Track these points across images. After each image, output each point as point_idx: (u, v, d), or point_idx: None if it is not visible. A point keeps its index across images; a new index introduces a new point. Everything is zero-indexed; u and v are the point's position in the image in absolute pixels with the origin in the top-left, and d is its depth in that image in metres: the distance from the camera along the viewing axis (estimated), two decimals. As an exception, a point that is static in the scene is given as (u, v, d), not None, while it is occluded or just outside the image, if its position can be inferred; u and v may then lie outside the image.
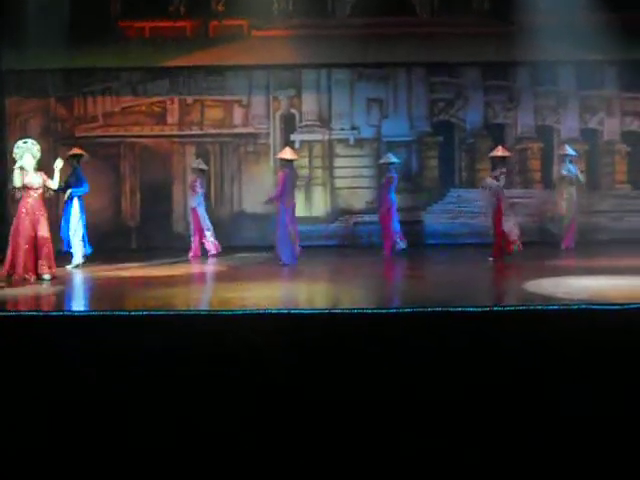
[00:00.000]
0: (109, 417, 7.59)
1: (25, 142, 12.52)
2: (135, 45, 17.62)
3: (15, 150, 12.43)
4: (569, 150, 16.22)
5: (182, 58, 17.58)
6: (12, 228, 12.26)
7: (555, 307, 9.03)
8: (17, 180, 12.22)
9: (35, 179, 12.30)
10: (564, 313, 8.82)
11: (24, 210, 12.22)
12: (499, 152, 14.65)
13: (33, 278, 12.05)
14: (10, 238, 12.21)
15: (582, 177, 16.56)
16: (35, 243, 12.17)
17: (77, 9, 16.78)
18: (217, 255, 15.72)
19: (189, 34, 17.79)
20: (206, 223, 15.92)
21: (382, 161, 16.18)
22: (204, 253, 15.87)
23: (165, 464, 7.09)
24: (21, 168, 12.25)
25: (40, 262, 12.19)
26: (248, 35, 17.66)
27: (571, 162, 16.17)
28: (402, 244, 15.57)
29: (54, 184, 12.54)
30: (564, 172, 16.07)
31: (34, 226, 12.18)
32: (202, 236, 15.88)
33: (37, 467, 7.05)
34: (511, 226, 14.41)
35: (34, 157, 12.35)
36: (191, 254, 15.80)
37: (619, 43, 16.44)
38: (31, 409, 7.60)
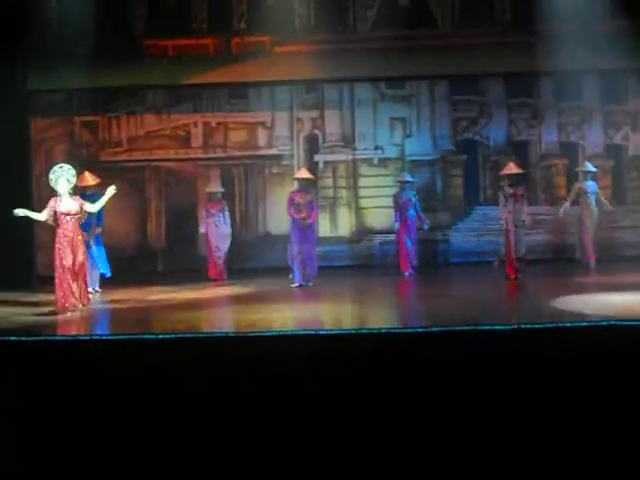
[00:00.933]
0: (138, 440, 7.59)
1: (61, 167, 12.35)
2: (159, 64, 17.65)
3: (50, 175, 12.27)
4: (589, 167, 16.15)
5: (205, 76, 17.57)
6: (55, 257, 12.14)
7: (584, 324, 8.98)
8: (42, 215, 12.10)
9: (72, 204, 12.20)
10: (593, 330, 8.77)
11: (63, 237, 12.10)
12: (511, 170, 14.59)
13: (80, 305, 11.96)
14: (55, 268, 12.11)
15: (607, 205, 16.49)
16: (75, 271, 12.07)
17: (101, 28, 16.81)
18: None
19: (212, 51, 17.78)
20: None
21: (398, 180, 16.22)
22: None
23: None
24: (56, 194, 12.13)
25: (83, 288, 12.13)
26: (270, 51, 17.64)
27: (592, 179, 16.10)
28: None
29: (93, 208, 12.41)
30: (586, 189, 15.98)
31: (74, 252, 12.08)
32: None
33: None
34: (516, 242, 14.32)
35: (69, 182, 12.21)
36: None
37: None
38: (63, 433, 7.62)
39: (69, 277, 11.97)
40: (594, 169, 16.16)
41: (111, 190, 12.41)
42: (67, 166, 12.36)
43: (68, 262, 11.98)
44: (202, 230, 16.17)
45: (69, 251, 12.01)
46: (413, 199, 15.67)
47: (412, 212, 15.60)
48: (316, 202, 14.91)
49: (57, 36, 16.39)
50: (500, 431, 7.33)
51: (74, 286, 12.00)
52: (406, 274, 15.46)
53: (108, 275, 14.51)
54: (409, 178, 15.94)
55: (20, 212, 12.21)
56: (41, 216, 12.10)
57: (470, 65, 17.28)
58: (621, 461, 7.08)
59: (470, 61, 17.22)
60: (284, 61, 17.46)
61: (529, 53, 16.83)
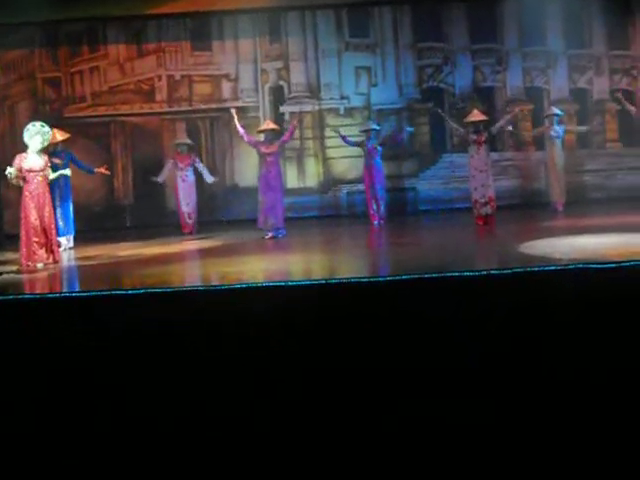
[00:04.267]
0: (108, 397, 7.61)
1: (42, 126, 12.22)
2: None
3: (25, 130, 12.03)
4: (555, 110, 16.22)
5: (167, 6, 17.29)
6: (20, 215, 12.07)
7: (552, 268, 9.04)
8: (12, 168, 12.01)
9: (37, 161, 12.09)
10: (561, 274, 8.83)
11: (28, 194, 12.07)
12: (475, 117, 14.61)
13: (42, 264, 11.90)
14: (20, 227, 12.04)
15: (581, 128, 16.68)
16: (43, 229, 12.01)
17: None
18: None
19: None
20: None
21: (363, 129, 16.19)
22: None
23: (164, 442, 7.12)
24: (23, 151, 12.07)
25: (50, 248, 12.08)
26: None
27: (558, 123, 16.14)
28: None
29: (52, 175, 12.35)
30: (552, 133, 16.06)
31: (40, 210, 12.00)
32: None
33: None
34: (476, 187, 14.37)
35: (42, 143, 12.11)
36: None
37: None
38: (32, 393, 7.62)
39: (34, 234, 11.91)
40: (561, 113, 16.20)
41: (67, 171, 12.82)
42: (47, 127, 12.25)
43: (33, 219, 11.91)
44: (159, 180, 16.08)
45: (34, 208, 11.94)
46: (379, 147, 15.62)
47: (378, 160, 15.56)
48: (279, 141, 14.85)
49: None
50: (469, 380, 7.38)
51: (40, 243, 11.95)
52: (375, 223, 15.47)
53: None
54: (374, 126, 15.90)
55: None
56: (8, 173, 12.00)
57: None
58: (590, 409, 7.16)
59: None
60: None
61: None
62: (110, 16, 17.46)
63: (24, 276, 11.29)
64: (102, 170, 14.70)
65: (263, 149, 14.48)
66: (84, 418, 7.33)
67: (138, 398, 7.54)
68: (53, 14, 16.73)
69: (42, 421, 7.30)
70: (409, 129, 16.53)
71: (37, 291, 10.39)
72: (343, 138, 15.76)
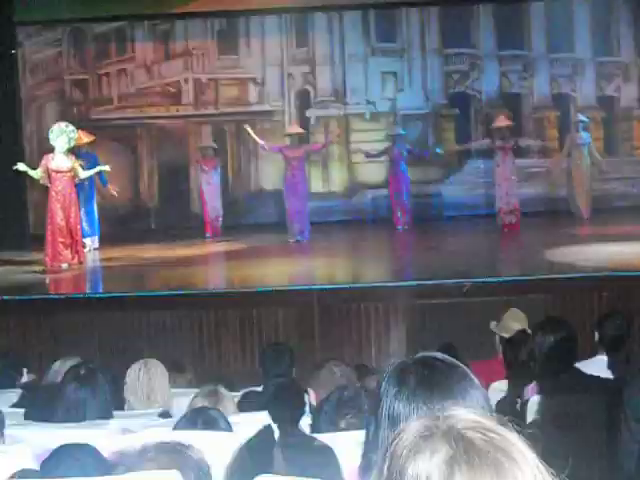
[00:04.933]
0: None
1: (67, 126, 12.28)
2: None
3: (50, 131, 12.13)
4: (581, 117, 16.09)
5: (194, 5, 17.30)
6: (46, 215, 12.15)
7: (577, 275, 9.01)
8: (36, 173, 12.07)
9: (64, 162, 12.14)
10: (586, 281, 8.80)
11: (54, 195, 12.10)
12: (501, 122, 14.58)
13: (67, 265, 11.94)
14: (46, 227, 12.11)
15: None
16: (69, 229, 12.06)
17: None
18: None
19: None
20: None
21: (389, 133, 16.19)
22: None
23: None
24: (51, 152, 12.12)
25: (75, 248, 12.12)
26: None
27: (585, 130, 16.01)
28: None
29: (83, 174, 12.39)
30: (578, 141, 15.93)
31: (66, 210, 12.05)
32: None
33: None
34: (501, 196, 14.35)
35: (68, 142, 12.18)
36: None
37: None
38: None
39: (59, 235, 11.97)
40: (586, 119, 16.09)
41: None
42: (72, 127, 12.33)
43: (58, 220, 11.97)
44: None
45: (60, 209, 12.00)
46: (405, 152, 15.60)
47: (403, 166, 15.54)
48: (308, 147, 14.83)
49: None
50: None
51: (65, 244, 12.00)
52: (399, 228, 15.45)
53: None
54: (400, 131, 15.88)
55: (20, 167, 12.21)
56: (35, 173, 12.09)
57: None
58: (607, 419, 7.11)
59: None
60: None
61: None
62: (137, 14, 17.49)
63: (49, 276, 11.34)
64: (111, 189, 14.59)
65: (288, 153, 14.44)
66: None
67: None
68: (80, 12, 16.78)
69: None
70: (438, 150, 16.34)
71: (62, 291, 10.43)
72: (367, 155, 15.75)
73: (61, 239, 11.97)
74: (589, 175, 15.92)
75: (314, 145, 14.72)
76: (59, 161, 12.05)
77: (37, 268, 11.87)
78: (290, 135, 14.74)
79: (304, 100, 18.06)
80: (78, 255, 12.15)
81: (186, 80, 18.12)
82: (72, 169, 12.14)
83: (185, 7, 17.22)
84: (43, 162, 12.06)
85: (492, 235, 14.12)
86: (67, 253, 12.00)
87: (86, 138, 14.60)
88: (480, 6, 17.79)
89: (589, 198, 15.89)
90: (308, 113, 17.97)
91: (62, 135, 12.08)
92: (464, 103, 17.99)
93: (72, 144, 12.31)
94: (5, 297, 9.33)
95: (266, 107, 17.92)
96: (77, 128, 14.87)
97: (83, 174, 12.31)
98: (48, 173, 12.01)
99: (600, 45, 17.75)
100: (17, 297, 9.43)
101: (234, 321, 8.68)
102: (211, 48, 18.07)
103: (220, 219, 15.83)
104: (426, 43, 17.94)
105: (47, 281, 11.11)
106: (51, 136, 12.11)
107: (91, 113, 17.92)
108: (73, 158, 12.28)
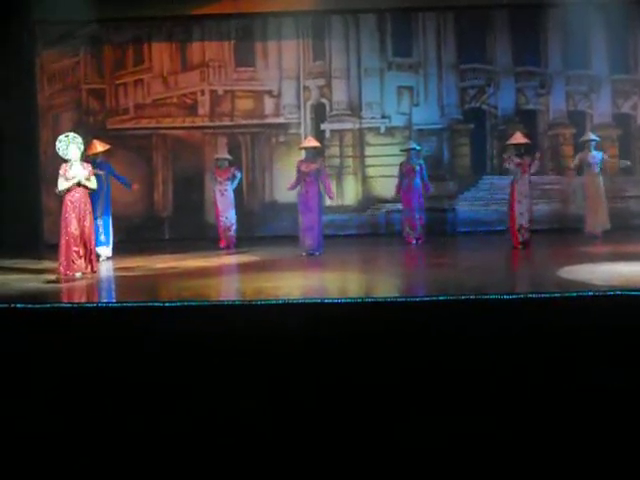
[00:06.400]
0: (142, 409, 7.62)
1: (66, 136, 12.37)
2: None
3: (58, 145, 12.25)
4: (592, 136, 16.02)
5: (210, 7, 17.32)
6: (61, 224, 12.20)
7: (590, 294, 8.97)
8: (61, 185, 12.12)
9: (80, 171, 12.18)
10: (600, 299, 8.76)
11: (69, 204, 12.18)
12: (518, 139, 14.55)
13: (80, 273, 11.99)
14: (60, 236, 12.17)
15: (620, 163, 16.50)
16: (82, 239, 12.10)
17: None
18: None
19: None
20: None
21: (403, 148, 16.18)
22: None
23: (192, 454, 7.13)
24: (66, 162, 12.16)
25: (89, 258, 12.16)
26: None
27: (596, 148, 15.94)
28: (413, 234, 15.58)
29: (93, 185, 12.40)
30: (589, 159, 15.85)
31: (80, 219, 12.10)
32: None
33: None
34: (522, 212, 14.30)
35: (79, 149, 12.25)
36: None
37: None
38: (66, 401, 7.65)
39: (73, 244, 12.00)
40: (597, 138, 16.03)
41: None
42: (72, 134, 12.37)
43: (73, 229, 12.00)
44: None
45: (75, 218, 12.03)
46: (418, 167, 15.58)
47: (417, 181, 15.53)
48: (324, 171, 14.81)
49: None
50: (505, 401, 7.34)
51: (79, 253, 12.03)
52: (412, 243, 15.43)
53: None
54: (415, 145, 15.88)
55: (61, 186, 12.21)
56: (61, 186, 12.13)
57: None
58: (622, 431, 7.08)
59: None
60: None
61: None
62: (152, 17, 17.52)
63: (62, 285, 11.36)
64: (134, 187, 14.97)
65: (302, 168, 14.42)
66: (116, 428, 7.34)
67: (170, 410, 7.55)
68: (96, 14, 16.81)
69: (72, 430, 7.32)
70: (417, 146, 16.16)
71: (75, 300, 10.44)
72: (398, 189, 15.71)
73: (75, 248, 12.01)
74: (602, 193, 15.83)
75: (327, 180, 14.61)
76: (75, 170, 12.08)
77: (51, 277, 11.89)
78: (305, 149, 14.72)
79: (319, 113, 18.09)
80: (92, 265, 12.19)
81: (202, 91, 18.17)
82: (88, 178, 12.17)
83: (201, 9, 17.25)
84: (61, 172, 12.10)
85: (506, 251, 14.07)
86: (81, 262, 12.04)
87: (101, 147, 14.65)
88: (496, 22, 17.78)
89: (604, 216, 15.80)
90: (323, 126, 18.00)
91: (72, 144, 12.13)
92: (479, 118, 18.00)
93: (83, 148, 12.36)
94: (18, 305, 9.34)
95: (281, 120, 17.96)
96: (93, 138, 15.01)
97: (92, 184, 12.30)
98: (68, 182, 12.08)
99: (616, 63, 17.74)
100: (29, 305, 9.43)
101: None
102: (228, 60, 18.12)
103: (234, 228, 15.84)
104: (442, 58, 17.96)
105: (61, 290, 11.12)
106: (60, 150, 12.16)
107: (107, 123, 17.99)
108: (89, 167, 12.32)
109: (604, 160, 15.86)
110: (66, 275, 11.85)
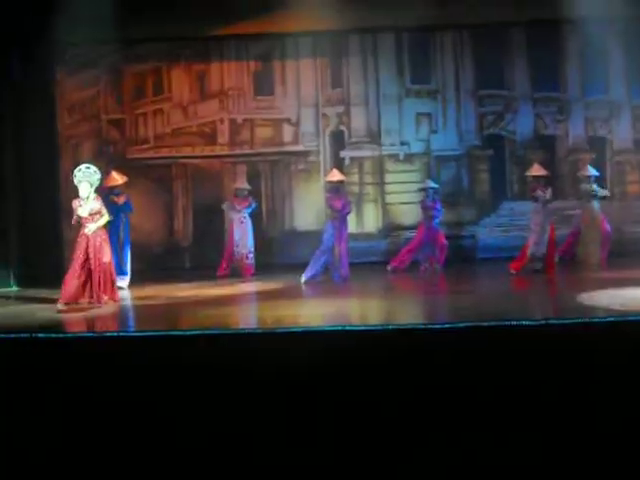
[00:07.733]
0: (159, 437, 7.62)
1: (88, 168, 12.38)
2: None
3: (75, 174, 12.32)
4: (591, 171, 15.98)
5: (229, 28, 17.31)
6: (72, 255, 12.32)
7: (611, 319, 8.94)
8: (81, 210, 12.21)
9: (89, 207, 12.27)
10: (621, 325, 8.72)
11: (82, 235, 12.22)
12: (537, 171, 14.60)
13: (86, 303, 12.04)
14: (69, 266, 12.28)
15: (605, 192, 16.34)
16: (95, 269, 12.14)
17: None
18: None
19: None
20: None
21: (421, 187, 16.17)
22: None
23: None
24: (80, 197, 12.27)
25: (101, 288, 12.19)
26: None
27: (596, 182, 15.90)
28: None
29: (94, 226, 12.37)
30: (591, 193, 15.82)
31: (95, 253, 12.15)
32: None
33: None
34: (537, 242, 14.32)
35: (91, 186, 12.30)
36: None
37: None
38: (83, 432, 7.66)
39: (78, 275, 12.08)
40: (597, 173, 15.99)
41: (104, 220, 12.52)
42: (93, 169, 12.40)
43: (80, 261, 12.09)
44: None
45: (83, 250, 12.11)
46: (435, 211, 15.59)
47: (436, 222, 15.60)
48: (347, 201, 14.83)
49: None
50: (527, 426, 7.31)
51: (82, 284, 12.09)
52: (425, 268, 15.50)
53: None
54: (432, 184, 15.87)
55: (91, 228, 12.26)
56: (73, 220, 12.26)
57: (493, 14, 16.88)
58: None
59: (494, 9, 16.79)
60: (307, 13, 17.02)
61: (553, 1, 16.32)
62: (172, 37, 17.52)
63: (65, 315, 11.37)
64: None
65: (334, 205, 14.46)
66: (135, 457, 7.35)
67: (190, 439, 7.55)
68: (116, 35, 16.83)
69: (92, 460, 7.33)
70: (434, 185, 16.12)
71: (96, 329, 10.46)
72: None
73: (80, 279, 12.08)
74: (601, 225, 15.77)
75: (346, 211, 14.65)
76: (85, 206, 12.18)
77: (59, 306, 11.89)
78: (331, 182, 14.73)
79: (338, 141, 18.13)
80: (113, 295, 12.24)
81: (222, 120, 18.24)
82: (98, 213, 12.24)
83: (220, 30, 17.23)
84: (73, 207, 12.24)
85: (526, 277, 14.04)
86: (86, 293, 12.13)
87: (120, 179, 14.73)
88: (514, 45, 17.79)
89: (605, 248, 15.72)
90: (342, 154, 18.03)
91: (83, 182, 12.21)
92: (498, 144, 18.00)
93: (96, 185, 12.41)
94: (39, 334, 9.36)
95: (300, 147, 18.01)
96: (113, 168, 15.07)
97: (101, 222, 12.32)
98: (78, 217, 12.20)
99: (636, 88, 17.71)
100: (46, 334, 9.44)
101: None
102: (247, 88, 18.21)
103: (251, 257, 15.90)
104: (460, 84, 17.99)
105: (80, 319, 11.13)
106: (75, 180, 12.27)
107: (127, 152, 18.08)
108: (99, 203, 12.32)
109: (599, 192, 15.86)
110: (66, 304, 11.88)
